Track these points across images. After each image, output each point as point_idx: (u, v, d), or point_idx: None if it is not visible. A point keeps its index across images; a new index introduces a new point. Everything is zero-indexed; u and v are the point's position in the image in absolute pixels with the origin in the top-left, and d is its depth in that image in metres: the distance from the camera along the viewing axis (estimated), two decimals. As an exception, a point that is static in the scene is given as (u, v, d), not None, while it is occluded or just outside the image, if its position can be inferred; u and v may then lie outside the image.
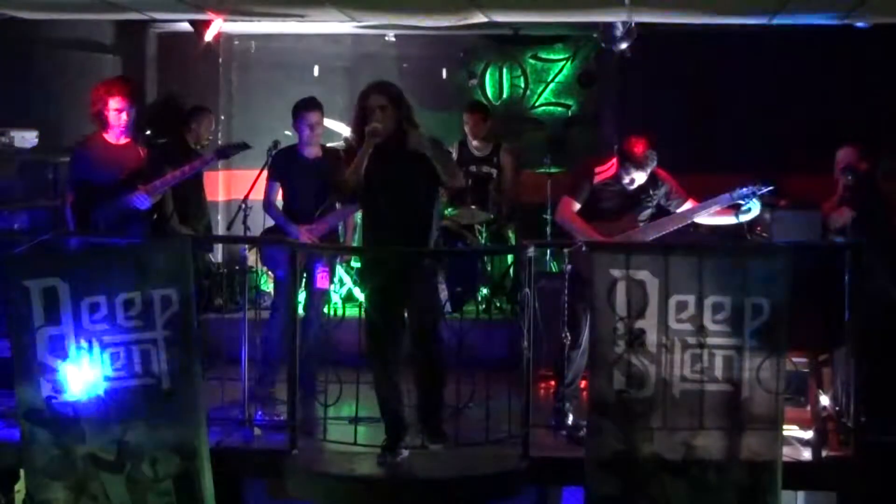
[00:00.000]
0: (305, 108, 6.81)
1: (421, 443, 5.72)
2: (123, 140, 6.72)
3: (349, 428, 5.94)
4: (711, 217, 6.40)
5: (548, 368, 6.99)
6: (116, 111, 6.59)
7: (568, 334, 6.11)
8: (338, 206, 6.98)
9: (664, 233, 6.36)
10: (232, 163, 9.73)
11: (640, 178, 6.25)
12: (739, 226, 6.62)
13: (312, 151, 6.86)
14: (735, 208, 6.31)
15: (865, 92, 8.87)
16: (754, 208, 6.29)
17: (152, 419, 5.58)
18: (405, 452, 5.73)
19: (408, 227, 5.68)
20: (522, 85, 9.88)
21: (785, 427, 5.58)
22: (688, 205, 6.38)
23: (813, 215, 6.64)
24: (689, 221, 6.43)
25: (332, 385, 6.01)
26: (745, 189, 6.27)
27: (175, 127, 8.75)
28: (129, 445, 5.57)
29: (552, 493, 7.96)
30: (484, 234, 8.51)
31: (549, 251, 8.43)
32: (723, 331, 5.44)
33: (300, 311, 6.33)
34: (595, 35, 8.64)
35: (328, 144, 7.16)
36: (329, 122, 7.29)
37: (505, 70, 9.89)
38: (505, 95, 9.91)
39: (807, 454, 5.92)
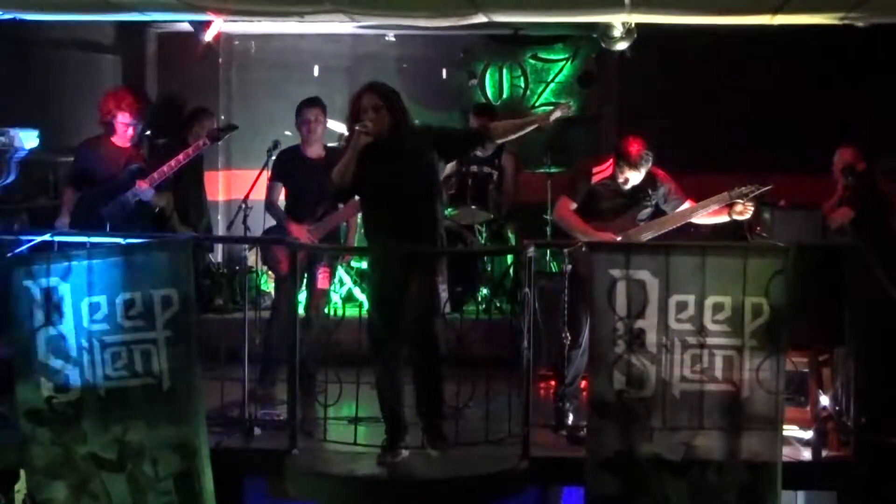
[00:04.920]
0: (304, 105, 6.84)
1: (421, 443, 5.73)
2: (128, 143, 6.85)
3: (349, 428, 5.94)
4: (706, 217, 6.41)
5: (548, 368, 6.99)
6: (124, 125, 6.78)
7: (568, 334, 6.12)
8: (340, 206, 6.98)
9: (662, 232, 6.37)
10: (232, 163, 9.76)
11: (634, 177, 6.26)
12: (739, 226, 6.62)
13: (315, 151, 6.86)
14: (730, 207, 6.33)
15: (865, 92, 8.87)
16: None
17: (153, 419, 5.58)
18: (405, 452, 5.73)
19: (407, 227, 5.67)
20: (522, 85, 9.89)
21: (785, 427, 5.58)
22: (686, 205, 6.39)
23: (813, 215, 6.65)
24: (686, 221, 6.43)
25: (332, 385, 6.02)
26: (742, 189, 6.28)
27: (175, 127, 8.76)
28: (130, 445, 5.58)
29: (552, 493, 7.96)
30: (484, 234, 8.51)
31: (549, 251, 8.44)
32: (723, 331, 5.44)
33: (300, 311, 6.33)
34: (595, 35, 8.64)
35: (329, 144, 7.16)
36: (328, 122, 7.28)
37: (505, 70, 9.90)
38: (505, 95, 9.91)
39: (807, 454, 5.93)
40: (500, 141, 6.11)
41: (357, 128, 5.57)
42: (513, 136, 6.02)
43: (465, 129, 5.95)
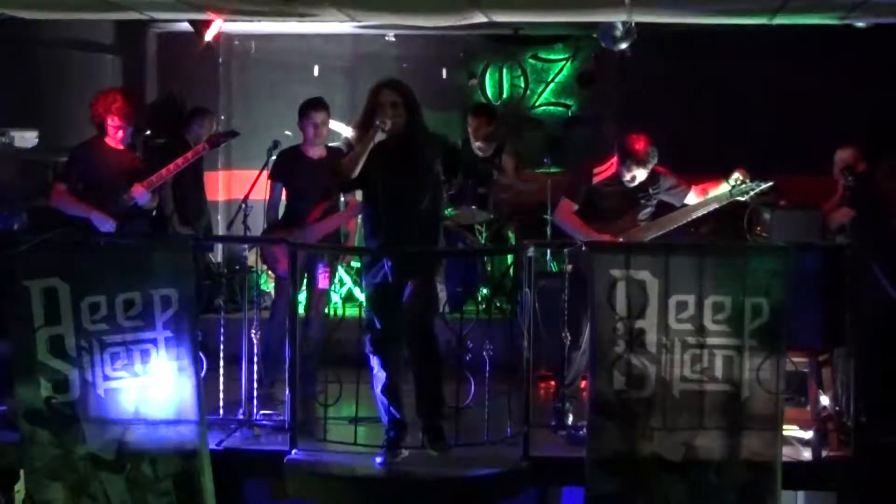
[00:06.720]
0: (312, 107, 6.80)
1: (421, 443, 5.73)
2: (121, 145, 6.83)
3: (349, 428, 5.94)
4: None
5: (548, 368, 6.98)
6: (114, 128, 6.74)
7: (568, 334, 6.11)
8: (341, 208, 6.97)
9: (664, 231, 6.37)
10: (232, 163, 9.75)
11: (641, 174, 6.24)
12: (739, 225, 6.62)
13: (317, 152, 6.84)
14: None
15: (865, 92, 8.87)
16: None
17: (152, 419, 5.58)
18: (405, 452, 5.73)
19: (408, 228, 5.66)
20: (522, 85, 9.89)
21: (785, 427, 5.59)
22: (691, 195, 6.38)
23: (813, 215, 6.64)
24: (687, 220, 6.43)
25: (332, 385, 6.02)
26: (742, 186, 6.28)
27: (175, 127, 8.75)
28: (129, 445, 5.57)
29: (552, 493, 7.96)
30: (484, 234, 8.51)
31: (549, 251, 8.43)
32: (723, 331, 5.45)
33: (300, 310, 6.33)
34: (595, 35, 8.64)
35: (329, 144, 7.15)
36: (329, 123, 7.28)
37: (505, 70, 9.90)
38: (505, 95, 9.91)
39: (807, 454, 5.92)
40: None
41: (377, 122, 5.56)
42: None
43: (470, 166, 5.94)
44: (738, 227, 6.84)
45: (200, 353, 5.73)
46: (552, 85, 9.87)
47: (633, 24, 7.61)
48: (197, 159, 7.27)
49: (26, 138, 7.57)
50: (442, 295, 7.64)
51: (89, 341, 5.55)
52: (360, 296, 7.48)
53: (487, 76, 9.91)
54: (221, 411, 6.22)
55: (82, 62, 8.70)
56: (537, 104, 9.89)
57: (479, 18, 7.28)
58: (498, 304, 8.36)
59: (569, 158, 9.08)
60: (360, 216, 6.84)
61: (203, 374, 5.76)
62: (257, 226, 7.44)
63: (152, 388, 5.58)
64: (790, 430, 5.95)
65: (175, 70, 9.47)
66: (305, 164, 6.79)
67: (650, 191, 6.35)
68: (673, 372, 5.46)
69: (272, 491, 7.19)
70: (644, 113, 8.71)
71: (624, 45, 8.11)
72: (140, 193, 6.68)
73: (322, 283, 6.72)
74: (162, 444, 5.57)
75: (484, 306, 7.92)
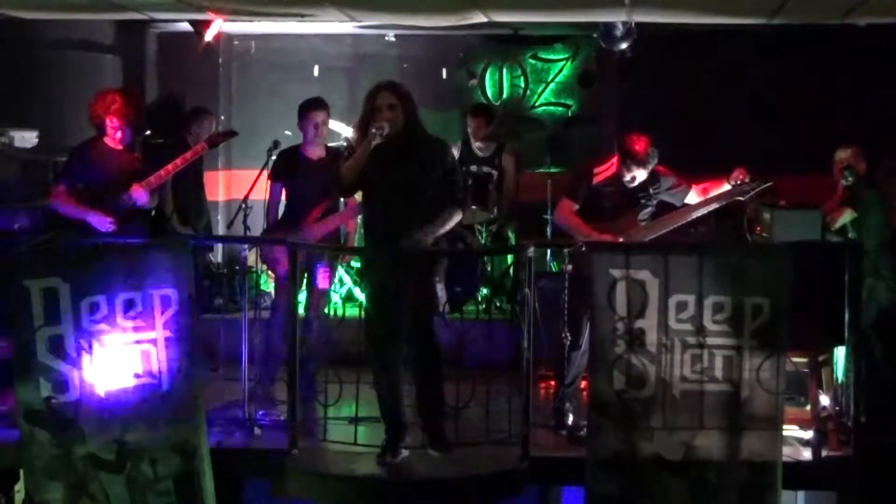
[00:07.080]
0: (311, 107, 6.80)
1: (421, 443, 5.72)
2: (121, 145, 6.82)
3: (349, 428, 5.94)
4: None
5: (548, 368, 6.99)
6: (113, 129, 6.71)
7: (568, 334, 6.11)
8: (341, 207, 6.98)
9: (664, 231, 6.37)
10: (232, 163, 9.76)
11: (641, 175, 6.25)
12: (739, 225, 6.62)
13: (316, 152, 6.85)
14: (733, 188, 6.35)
15: (865, 92, 8.87)
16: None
17: (152, 419, 5.57)
18: (405, 452, 5.73)
19: (408, 228, 5.66)
20: (522, 85, 9.89)
21: (785, 427, 5.59)
22: (692, 194, 6.38)
23: (813, 215, 6.65)
24: (687, 220, 6.43)
25: (332, 385, 6.02)
26: (743, 185, 6.29)
27: (175, 127, 8.76)
28: (129, 445, 5.57)
29: (552, 492, 7.97)
30: (484, 234, 8.51)
31: (549, 251, 8.44)
32: (723, 331, 5.44)
33: (300, 310, 6.33)
34: (595, 35, 8.64)
35: (329, 144, 7.16)
36: (329, 123, 7.29)
37: (505, 70, 9.90)
38: (505, 95, 9.91)
39: (807, 454, 5.93)
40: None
41: (373, 129, 5.56)
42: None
43: (460, 185, 5.87)
44: (738, 227, 6.83)
45: (200, 353, 5.73)
46: (552, 85, 9.88)
47: (633, 24, 7.62)
48: (197, 159, 7.26)
49: (26, 138, 7.58)
50: (442, 295, 7.66)
51: (89, 341, 5.55)
52: (360, 296, 7.49)
53: (487, 76, 9.91)
54: (221, 411, 6.23)
55: (82, 62, 8.71)
56: (537, 104, 9.89)
57: (479, 18, 7.29)
58: (498, 304, 8.36)
59: (569, 158, 9.08)
60: (360, 216, 6.86)
61: (203, 374, 5.76)
62: (257, 226, 7.44)
63: (152, 387, 5.58)
64: (790, 430, 5.95)
65: (175, 70, 9.48)
66: (305, 164, 6.80)
67: (650, 191, 6.35)
68: (673, 372, 5.46)
69: (272, 490, 7.18)
70: (644, 113, 8.72)
71: (624, 45, 8.11)
72: (139, 193, 6.67)
73: (322, 283, 6.72)
74: (162, 444, 5.57)
75: (484, 306, 7.93)
